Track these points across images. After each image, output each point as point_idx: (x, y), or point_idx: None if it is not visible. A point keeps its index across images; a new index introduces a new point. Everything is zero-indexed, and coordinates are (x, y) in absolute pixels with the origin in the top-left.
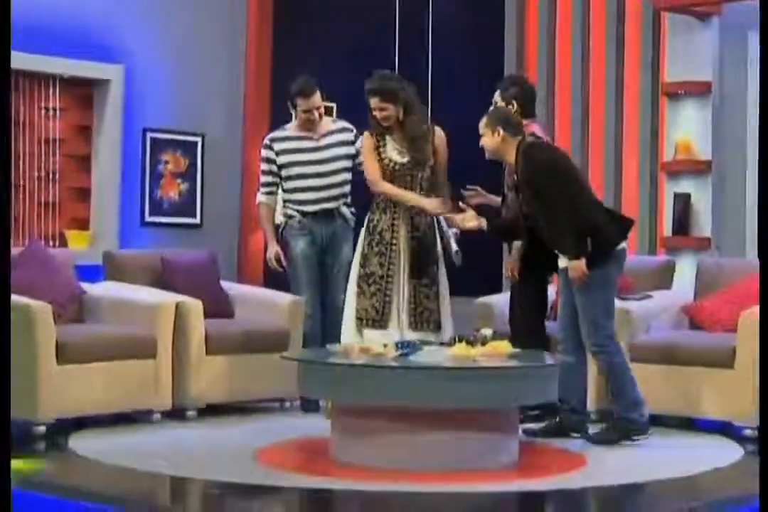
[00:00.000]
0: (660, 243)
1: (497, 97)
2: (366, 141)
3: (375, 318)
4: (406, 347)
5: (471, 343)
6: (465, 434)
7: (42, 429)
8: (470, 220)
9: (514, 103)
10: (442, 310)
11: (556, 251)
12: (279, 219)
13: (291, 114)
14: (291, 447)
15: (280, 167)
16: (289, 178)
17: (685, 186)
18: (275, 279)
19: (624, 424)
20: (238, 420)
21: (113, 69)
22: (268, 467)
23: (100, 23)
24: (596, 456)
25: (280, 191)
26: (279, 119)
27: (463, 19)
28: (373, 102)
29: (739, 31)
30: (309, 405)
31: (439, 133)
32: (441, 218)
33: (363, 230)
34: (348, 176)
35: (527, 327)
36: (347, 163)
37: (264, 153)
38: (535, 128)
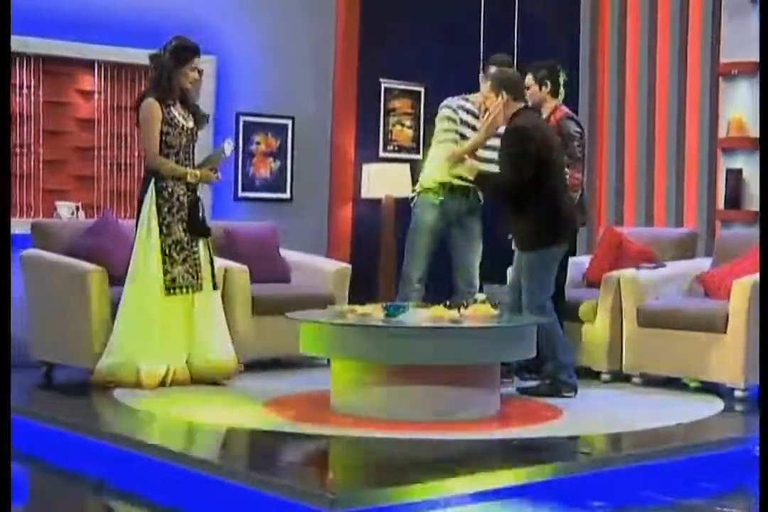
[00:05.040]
0: (716, 216)
1: (529, 79)
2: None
3: (192, 283)
4: (393, 308)
5: (455, 306)
6: (448, 387)
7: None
8: None
9: (548, 83)
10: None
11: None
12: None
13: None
14: (298, 398)
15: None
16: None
17: (737, 162)
18: (361, 250)
19: (554, 382)
20: (273, 374)
21: (206, 60)
22: (274, 415)
23: (193, 19)
24: (574, 410)
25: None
26: (366, 100)
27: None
28: (197, 62)
29: None
30: None
31: None
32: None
33: (154, 197)
34: None
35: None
36: None
37: (447, 112)
38: (563, 109)
